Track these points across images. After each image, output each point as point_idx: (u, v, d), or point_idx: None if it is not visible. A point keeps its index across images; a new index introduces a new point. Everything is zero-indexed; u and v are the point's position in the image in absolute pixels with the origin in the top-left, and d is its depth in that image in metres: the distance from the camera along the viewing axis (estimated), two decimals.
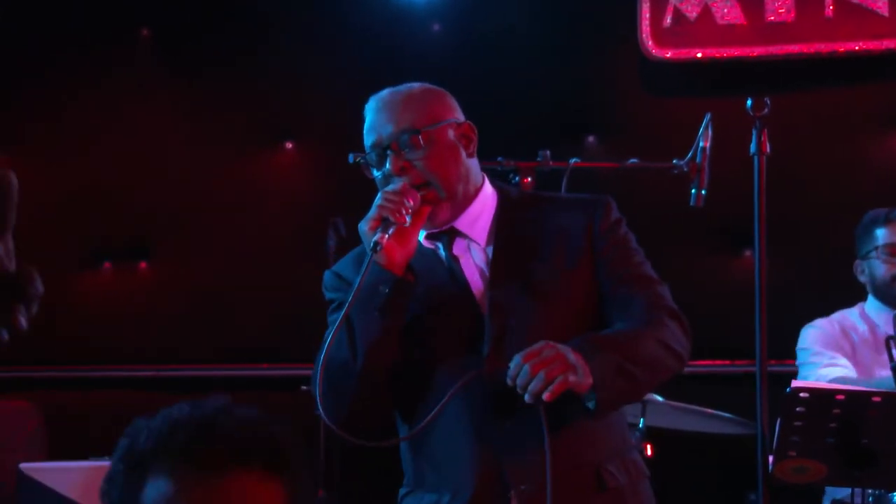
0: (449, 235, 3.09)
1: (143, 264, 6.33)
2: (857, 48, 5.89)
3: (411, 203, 2.93)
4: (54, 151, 6.36)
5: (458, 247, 3.09)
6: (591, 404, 2.87)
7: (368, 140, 3.08)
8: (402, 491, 3.14)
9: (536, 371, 2.77)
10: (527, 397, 2.78)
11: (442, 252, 3.09)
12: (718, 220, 5.52)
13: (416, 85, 3.15)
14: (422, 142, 3.01)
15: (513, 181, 4.01)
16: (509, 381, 2.80)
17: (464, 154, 3.09)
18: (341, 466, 5.44)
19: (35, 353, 6.18)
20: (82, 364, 6.23)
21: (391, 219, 2.89)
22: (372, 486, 3.41)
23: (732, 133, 3.69)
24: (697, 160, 3.88)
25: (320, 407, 2.95)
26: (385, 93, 3.14)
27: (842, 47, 5.90)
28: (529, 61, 6.01)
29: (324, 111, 6.24)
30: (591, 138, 6.11)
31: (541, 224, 3.10)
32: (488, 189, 3.15)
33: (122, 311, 6.28)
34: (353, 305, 2.90)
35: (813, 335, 4.79)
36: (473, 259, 3.07)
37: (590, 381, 2.81)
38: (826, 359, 4.63)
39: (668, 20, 5.98)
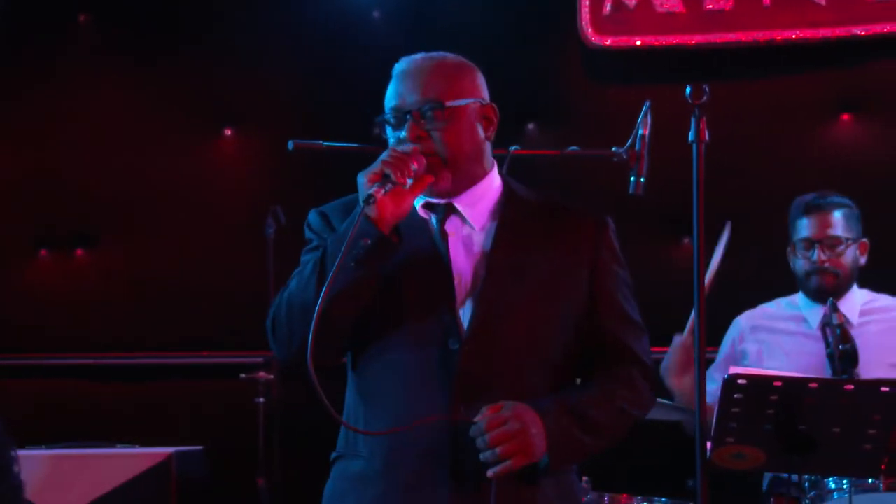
0: (445, 210, 3.08)
1: (79, 252, 6.28)
2: (794, 36, 5.93)
3: (416, 167, 2.93)
4: None
5: (452, 224, 3.08)
6: (541, 462, 2.94)
7: (391, 102, 3.06)
8: (333, 455, 3.13)
9: (493, 444, 2.85)
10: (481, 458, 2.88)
11: (434, 224, 3.07)
12: (658, 208, 5.54)
13: (450, 56, 3.14)
14: (443, 115, 3.01)
15: None
16: (472, 434, 2.88)
17: (481, 134, 3.09)
18: (281, 455, 5.42)
19: None
20: (23, 352, 6.18)
21: (392, 176, 2.88)
22: (312, 474, 3.39)
23: (673, 121, 3.69)
24: (637, 148, 3.88)
25: (270, 340, 3.00)
26: (418, 57, 3.12)
27: (779, 35, 5.94)
28: (470, 48, 5.95)
29: (263, 98, 6.21)
30: (531, 125, 6.12)
31: (543, 226, 3.11)
32: (496, 177, 3.15)
33: (62, 300, 6.24)
34: (330, 251, 2.91)
35: (727, 340, 4.83)
36: (463, 240, 3.07)
37: (542, 452, 2.90)
38: (717, 373, 4.65)
39: (607, 8, 6.00)
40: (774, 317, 4.85)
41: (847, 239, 4.74)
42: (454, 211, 3.09)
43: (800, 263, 4.78)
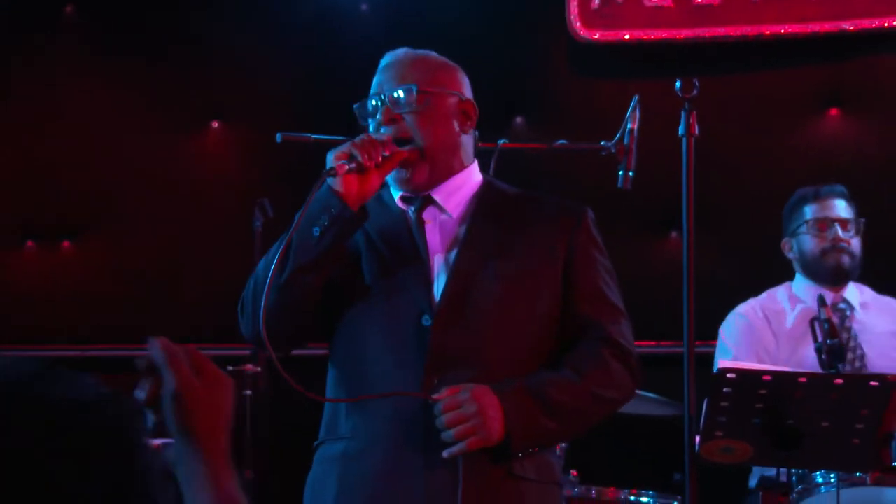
0: (423, 202, 3.11)
1: (66, 244, 6.26)
2: (782, 31, 5.93)
3: (387, 154, 2.96)
4: None
5: (429, 213, 3.11)
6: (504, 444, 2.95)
7: (372, 90, 3.11)
8: (315, 443, 3.14)
9: (449, 426, 2.89)
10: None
11: (411, 214, 3.10)
12: (646, 203, 5.54)
13: (434, 53, 3.19)
14: (418, 99, 3.04)
15: None
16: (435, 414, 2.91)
17: (457, 127, 3.12)
18: (270, 447, 5.41)
19: None
20: (7, 343, 6.16)
21: (358, 157, 2.91)
22: (300, 467, 3.39)
23: (662, 115, 3.70)
24: (625, 142, 3.87)
25: (239, 319, 3.06)
26: (402, 51, 3.17)
27: (768, 30, 5.94)
28: (458, 41, 5.97)
29: (251, 91, 6.20)
30: (519, 119, 6.11)
31: (520, 217, 3.13)
32: (476, 172, 3.18)
33: (47, 292, 6.22)
34: (296, 224, 2.94)
35: (734, 328, 4.81)
36: (439, 228, 3.09)
37: (499, 434, 2.91)
38: (728, 360, 4.65)
39: (596, 2, 6.00)
40: (777, 310, 4.84)
41: (856, 224, 4.78)
42: (431, 202, 3.11)
43: (812, 243, 4.77)
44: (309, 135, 3.92)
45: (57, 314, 6.19)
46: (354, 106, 3.13)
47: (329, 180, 2.93)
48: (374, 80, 3.13)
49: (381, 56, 3.22)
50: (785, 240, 4.87)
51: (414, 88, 3.04)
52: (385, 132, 3.03)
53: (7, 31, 6.27)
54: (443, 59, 3.19)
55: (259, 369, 5.33)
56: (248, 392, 5.38)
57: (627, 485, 4.50)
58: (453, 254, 3.06)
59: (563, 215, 3.14)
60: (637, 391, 4.39)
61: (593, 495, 4.45)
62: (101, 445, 1.38)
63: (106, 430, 1.40)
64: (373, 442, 2.99)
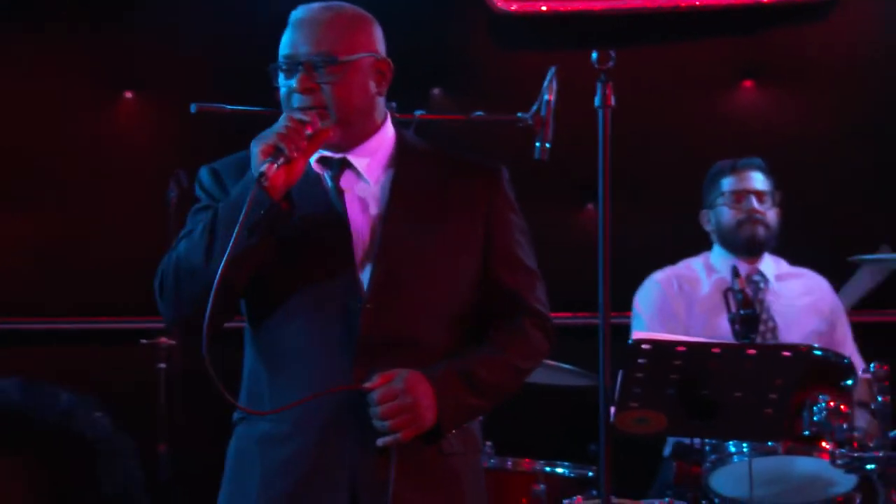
0: (340, 165, 3.07)
1: None
2: (698, 3, 5.96)
3: (309, 132, 2.91)
4: None
5: (346, 180, 3.07)
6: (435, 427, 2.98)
7: (284, 50, 3.04)
8: (235, 416, 3.12)
9: (384, 418, 2.90)
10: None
11: (328, 182, 3.06)
12: (563, 174, 5.55)
13: (347, 6, 3.12)
14: (336, 69, 2.99)
15: None
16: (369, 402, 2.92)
17: (373, 88, 3.08)
18: (183, 421, 5.38)
19: None
20: None
21: (285, 150, 2.87)
22: (214, 440, 3.36)
23: (578, 87, 3.70)
24: (542, 113, 3.88)
25: (158, 301, 3.02)
26: (315, 6, 3.09)
27: (684, 2, 5.96)
28: (376, 10, 5.95)
29: (165, 60, 6.13)
30: (437, 90, 6.09)
31: (438, 179, 3.11)
32: (389, 129, 3.14)
33: None
34: (221, 215, 2.91)
35: (647, 297, 4.86)
36: (358, 196, 3.06)
37: (432, 421, 2.94)
38: (641, 330, 4.69)
39: None
40: (692, 279, 4.89)
41: (773, 196, 4.83)
42: (348, 166, 3.08)
43: (729, 214, 4.82)
44: (224, 105, 3.89)
45: None
46: (269, 67, 3.07)
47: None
48: (286, 37, 3.06)
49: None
50: (703, 211, 4.92)
51: (331, 58, 3.00)
52: (301, 101, 2.99)
53: None
54: (357, 11, 3.12)
55: (173, 343, 5.30)
56: (163, 365, 5.34)
57: (542, 456, 4.51)
58: (377, 229, 3.03)
59: (480, 176, 3.14)
60: (552, 362, 4.43)
61: (509, 466, 4.46)
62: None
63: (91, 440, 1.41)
64: (299, 425, 2.96)
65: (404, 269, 3.01)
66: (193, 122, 3.99)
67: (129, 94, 6.19)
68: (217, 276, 2.81)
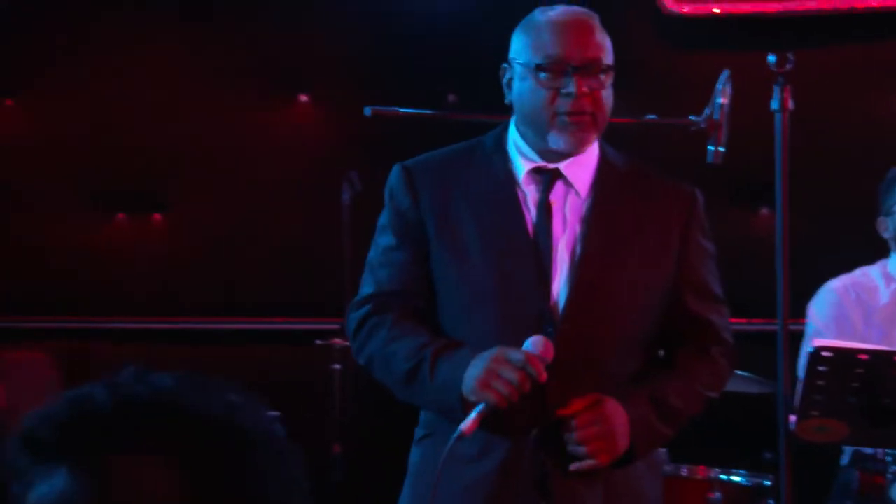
0: (552, 176, 3.06)
1: (156, 216, 6.31)
2: (875, 4, 5.84)
3: (534, 371, 2.85)
4: (65, 99, 6.33)
5: (557, 192, 3.06)
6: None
7: (552, 51, 3.02)
8: (418, 433, 3.12)
9: (581, 442, 2.91)
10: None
11: (537, 195, 3.06)
12: (735, 177, 5.49)
13: (595, 14, 3.14)
14: (605, 78, 3.04)
15: None
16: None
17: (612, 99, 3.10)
18: (359, 422, 5.42)
19: (49, 303, 6.19)
20: (96, 315, 6.23)
21: (492, 403, 2.84)
22: (388, 442, 3.39)
23: (750, 89, 3.65)
24: (715, 117, 3.84)
25: (351, 344, 3.15)
26: (576, 10, 3.11)
27: (861, 3, 5.85)
28: None
29: (338, 64, 6.20)
30: None
31: (636, 197, 3.11)
32: (595, 142, 3.15)
33: (135, 263, 6.27)
34: (420, 386, 2.99)
35: (822, 306, 4.73)
36: (564, 211, 3.05)
37: (626, 447, 2.96)
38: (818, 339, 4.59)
39: None
40: (870, 287, 4.76)
41: None
42: (560, 176, 3.06)
43: None
44: (397, 109, 3.92)
45: (147, 287, 6.24)
46: (522, 63, 3.05)
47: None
48: (550, 37, 3.04)
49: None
50: (880, 218, 4.76)
51: (605, 64, 3.04)
52: (574, 106, 2.98)
53: (97, 4, 6.31)
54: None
55: (348, 343, 5.35)
56: (338, 366, 5.40)
57: (718, 463, 4.47)
58: (576, 256, 3.02)
59: (677, 200, 3.14)
60: None
61: (684, 473, 4.42)
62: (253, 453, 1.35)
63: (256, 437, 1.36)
64: (487, 448, 2.98)
65: (599, 292, 3.01)
66: (367, 124, 4.02)
67: (303, 97, 6.27)
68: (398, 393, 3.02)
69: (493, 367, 2.84)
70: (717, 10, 5.92)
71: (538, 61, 3.02)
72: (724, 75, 3.83)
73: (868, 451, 3.98)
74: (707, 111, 3.81)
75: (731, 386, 4.61)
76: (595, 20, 3.11)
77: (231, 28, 6.28)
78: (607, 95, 3.05)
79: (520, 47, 3.08)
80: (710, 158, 3.81)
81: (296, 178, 6.20)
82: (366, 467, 5.38)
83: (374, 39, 6.17)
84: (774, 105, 3.39)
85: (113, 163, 6.27)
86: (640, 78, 6.05)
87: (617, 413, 2.93)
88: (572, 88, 2.99)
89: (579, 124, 3.01)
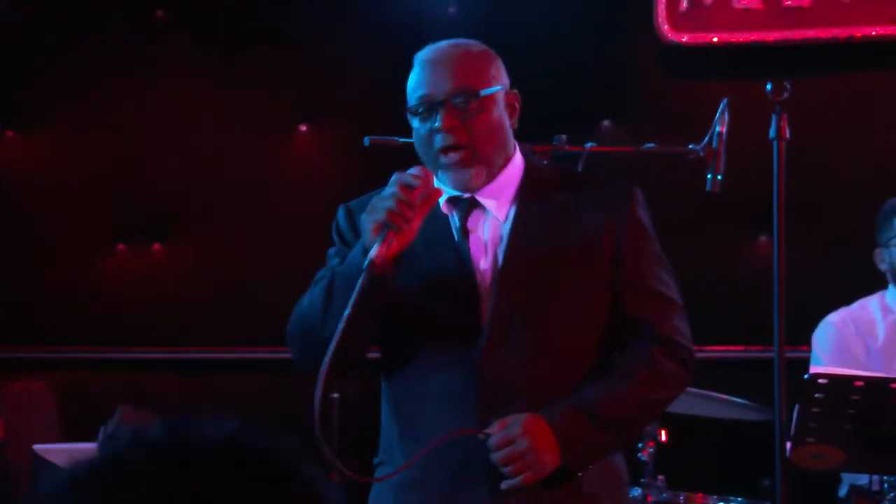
0: (468, 204, 3.05)
1: (156, 246, 6.32)
2: (874, 33, 5.86)
3: (423, 192, 2.89)
4: (67, 130, 6.35)
5: (473, 219, 3.05)
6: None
7: (419, 91, 3.04)
8: (375, 461, 3.15)
9: (503, 464, 2.89)
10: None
11: (455, 222, 3.06)
12: (734, 205, 5.50)
13: (472, 43, 3.11)
14: (477, 105, 2.98)
15: None
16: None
17: (507, 122, 3.07)
18: (357, 451, 5.43)
19: (50, 334, 6.19)
20: (95, 345, 6.23)
21: (394, 227, 2.86)
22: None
23: (750, 118, 3.67)
24: (714, 145, 3.85)
25: (291, 349, 3.13)
26: (444, 45, 3.09)
27: (859, 32, 5.87)
28: (545, 45, 5.98)
29: (338, 94, 6.22)
30: (606, 122, 6.08)
31: (566, 207, 3.05)
32: (517, 161, 3.11)
33: (137, 293, 6.27)
34: (338, 284, 2.96)
35: (824, 340, 4.72)
36: (485, 236, 3.03)
37: (555, 463, 2.91)
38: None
39: (684, 4, 5.95)
40: (868, 320, 4.74)
41: None
42: (477, 204, 3.06)
43: None
44: (396, 138, 3.94)
45: (150, 317, 6.24)
46: (407, 108, 3.08)
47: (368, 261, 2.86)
48: (418, 78, 3.06)
49: None
50: (877, 250, 4.73)
51: (473, 93, 2.99)
52: (445, 140, 2.97)
53: (98, 35, 6.34)
54: (482, 47, 3.11)
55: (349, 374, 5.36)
56: (336, 395, 5.40)
57: (715, 490, 4.46)
58: (498, 270, 3.00)
59: (609, 201, 3.06)
60: (725, 396, 4.38)
61: (681, 501, 4.42)
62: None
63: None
64: (427, 472, 2.97)
65: (525, 314, 2.97)
66: (366, 154, 4.03)
67: (303, 127, 6.29)
68: (332, 345, 2.85)
69: (373, 203, 2.91)
70: (715, 39, 5.94)
71: (412, 104, 3.05)
72: (723, 104, 3.85)
73: (865, 483, 3.97)
74: (706, 139, 3.83)
75: (729, 413, 4.63)
76: (468, 48, 3.08)
77: (231, 60, 6.30)
78: (487, 123, 3.00)
79: (407, 92, 3.11)
80: (708, 186, 3.83)
81: (296, 208, 6.21)
82: (363, 495, 5.38)
83: (374, 69, 6.19)
84: (772, 134, 3.40)
85: (113, 193, 6.29)
86: (639, 106, 6.07)
87: (536, 428, 2.89)
88: (438, 123, 2.98)
89: (458, 160, 2.99)
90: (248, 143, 6.28)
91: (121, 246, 6.34)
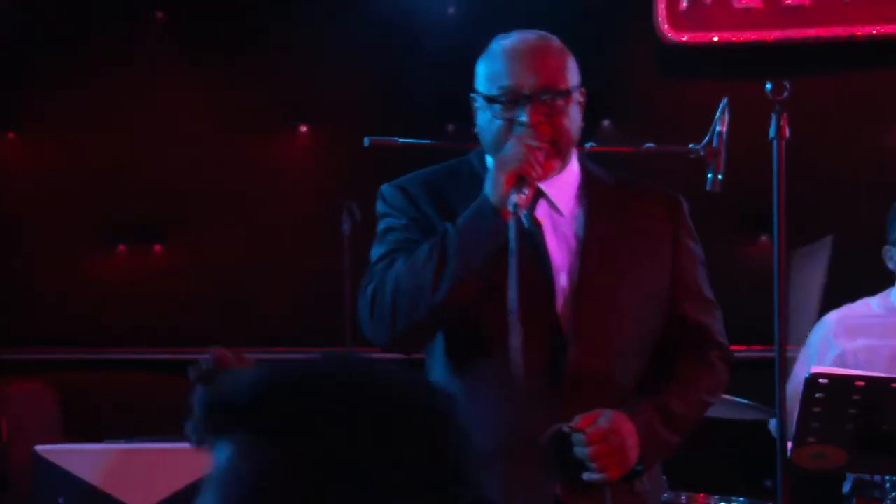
0: (535, 196, 3.04)
1: (157, 247, 6.32)
2: (874, 32, 5.85)
3: (542, 158, 2.92)
4: (67, 132, 6.35)
5: (541, 211, 3.06)
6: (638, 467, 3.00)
7: (504, 81, 3.02)
8: None
9: (593, 459, 2.91)
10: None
11: (523, 214, 3.03)
12: (735, 205, 5.49)
13: (552, 36, 3.13)
14: (561, 102, 2.99)
15: None
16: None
17: (580, 119, 3.08)
18: None
19: (49, 335, 6.19)
20: (96, 346, 6.23)
21: (528, 179, 2.87)
22: None
23: (750, 116, 3.66)
24: (714, 145, 3.85)
25: (365, 321, 3.01)
26: (529, 36, 3.10)
27: (859, 31, 5.86)
28: None
29: (338, 94, 6.22)
30: (606, 122, 6.08)
31: (625, 209, 3.11)
32: (576, 158, 3.15)
33: (136, 294, 6.27)
34: (455, 241, 2.89)
35: (814, 336, 4.72)
36: (554, 228, 3.06)
37: (636, 460, 2.97)
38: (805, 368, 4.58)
39: (684, 4, 5.95)
40: (870, 317, 4.73)
41: None
42: (541, 195, 3.06)
43: None
44: (396, 139, 3.94)
45: (148, 317, 6.24)
46: (478, 94, 3.05)
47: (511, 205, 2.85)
48: (503, 66, 3.04)
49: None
50: (885, 248, 4.71)
51: (560, 90, 3.00)
52: (530, 135, 2.95)
53: (98, 36, 6.33)
54: (560, 42, 3.15)
55: None
56: None
57: (717, 490, 4.46)
58: (576, 270, 3.02)
59: (663, 207, 3.15)
60: (727, 395, 4.38)
61: (683, 501, 4.41)
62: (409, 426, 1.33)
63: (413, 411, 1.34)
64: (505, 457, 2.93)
65: (603, 304, 3.01)
66: (366, 154, 4.03)
67: (303, 128, 6.29)
68: (443, 294, 2.85)
69: (502, 157, 2.89)
70: (716, 39, 5.94)
71: (492, 93, 3.03)
72: (723, 103, 3.84)
73: (868, 477, 3.97)
74: (706, 139, 3.82)
75: (731, 413, 4.62)
76: (552, 42, 3.11)
77: (231, 60, 6.30)
78: (569, 120, 3.03)
79: (479, 78, 3.09)
80: (709, 186, 3.82)
81: (296, 209, 6.21)
82: None
83: (374, 69, 6.19)
84: (772, 133, 3.40)
85: (113, 195, 6.28)
86: (640, 106, 6.07)
87: (625, 425, 2.94)
88: (525, 118, 2.97)
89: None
90: (248, 144, 6.28)
91: (121, 246, 6.33)
